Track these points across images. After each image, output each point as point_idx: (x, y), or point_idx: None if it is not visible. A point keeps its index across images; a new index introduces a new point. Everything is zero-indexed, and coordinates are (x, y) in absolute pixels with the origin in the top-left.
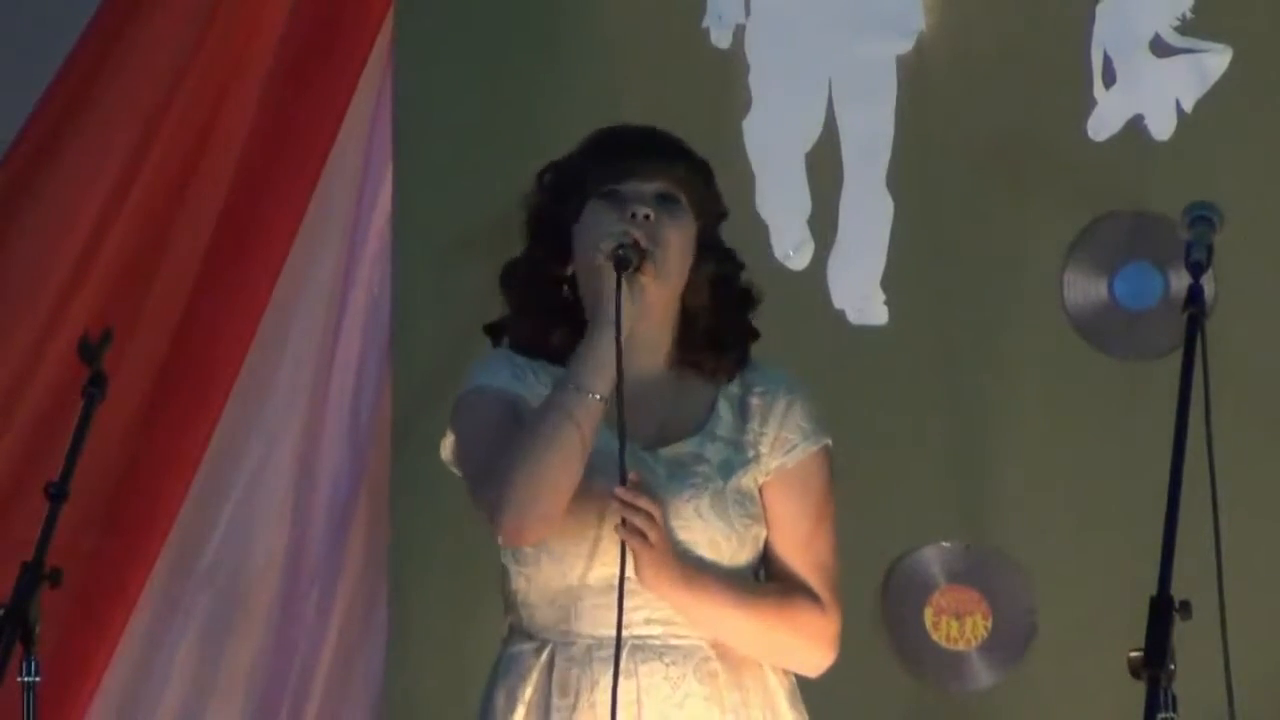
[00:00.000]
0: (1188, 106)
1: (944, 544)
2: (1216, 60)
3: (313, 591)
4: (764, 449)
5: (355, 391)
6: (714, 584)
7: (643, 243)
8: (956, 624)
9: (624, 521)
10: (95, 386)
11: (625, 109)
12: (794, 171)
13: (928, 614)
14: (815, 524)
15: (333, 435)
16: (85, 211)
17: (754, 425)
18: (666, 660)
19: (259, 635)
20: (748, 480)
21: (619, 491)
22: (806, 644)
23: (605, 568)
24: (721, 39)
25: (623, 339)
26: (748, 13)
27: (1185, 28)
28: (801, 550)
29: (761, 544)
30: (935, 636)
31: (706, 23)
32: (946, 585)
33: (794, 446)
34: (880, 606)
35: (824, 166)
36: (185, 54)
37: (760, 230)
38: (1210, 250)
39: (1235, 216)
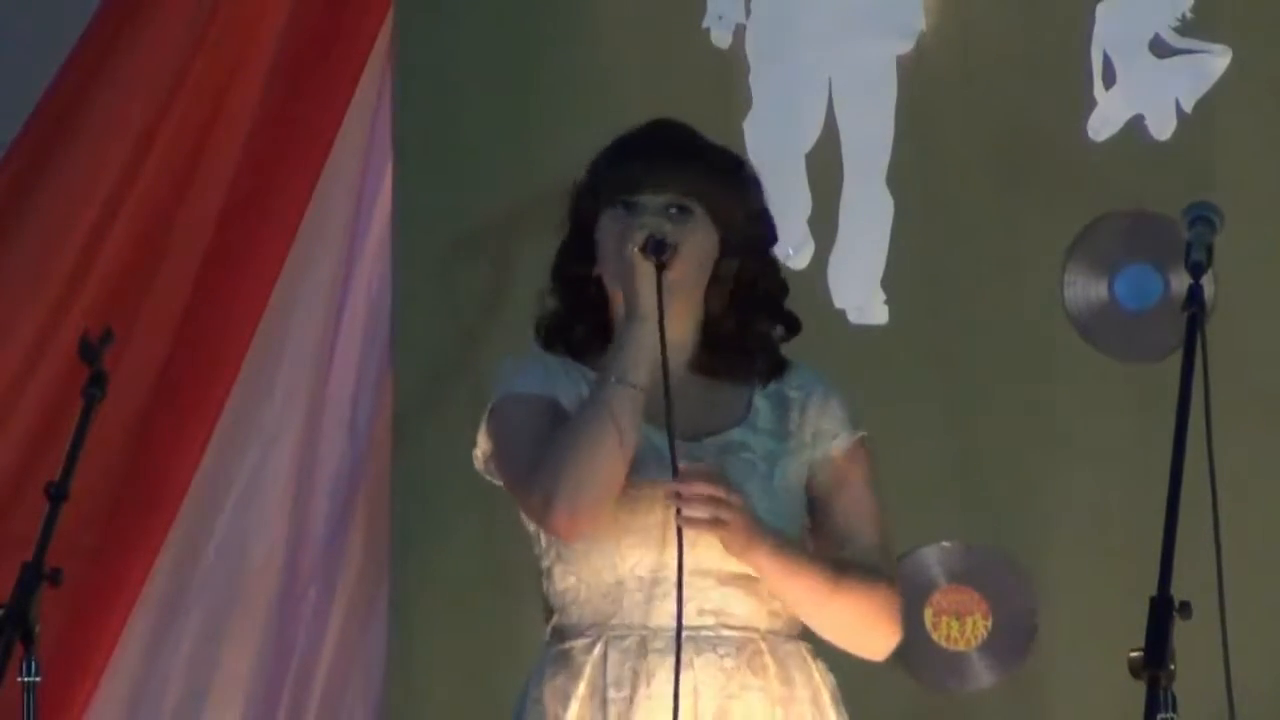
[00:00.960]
0: (1188, 107)
1: (944, 544)
2: (1216, 60)
3: (311, 591)
4: (806, 440)
5: (355, 391)
6: (804, 557)
7: (671, 237)
8: (956, 624)
9: (679, 513)
10: (95, 386)
11: (625, 109)
12: (794, 171)
13: (928, 614)
14: (872, 507)
15: (332, 435)
16: (85, 212)
17: (794, 416)
18: (721, 652)
19: (258, 635)
20: (793, 470)
21: (669, 486)
22: (885, 622)
23: (655, 556)
24: (722, 39)
25: (658, 331)
26: (748, 13)
27: (1185, 28)
28: (865, 532)
29: (804, 535)
30: (935, 636)
31: (707, 23)
32: (946, 585)
33: (836, 435)
34: None
35: (824, 166)
36: (185, 54)
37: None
38: (1210, 250)
39: (1235, 216)
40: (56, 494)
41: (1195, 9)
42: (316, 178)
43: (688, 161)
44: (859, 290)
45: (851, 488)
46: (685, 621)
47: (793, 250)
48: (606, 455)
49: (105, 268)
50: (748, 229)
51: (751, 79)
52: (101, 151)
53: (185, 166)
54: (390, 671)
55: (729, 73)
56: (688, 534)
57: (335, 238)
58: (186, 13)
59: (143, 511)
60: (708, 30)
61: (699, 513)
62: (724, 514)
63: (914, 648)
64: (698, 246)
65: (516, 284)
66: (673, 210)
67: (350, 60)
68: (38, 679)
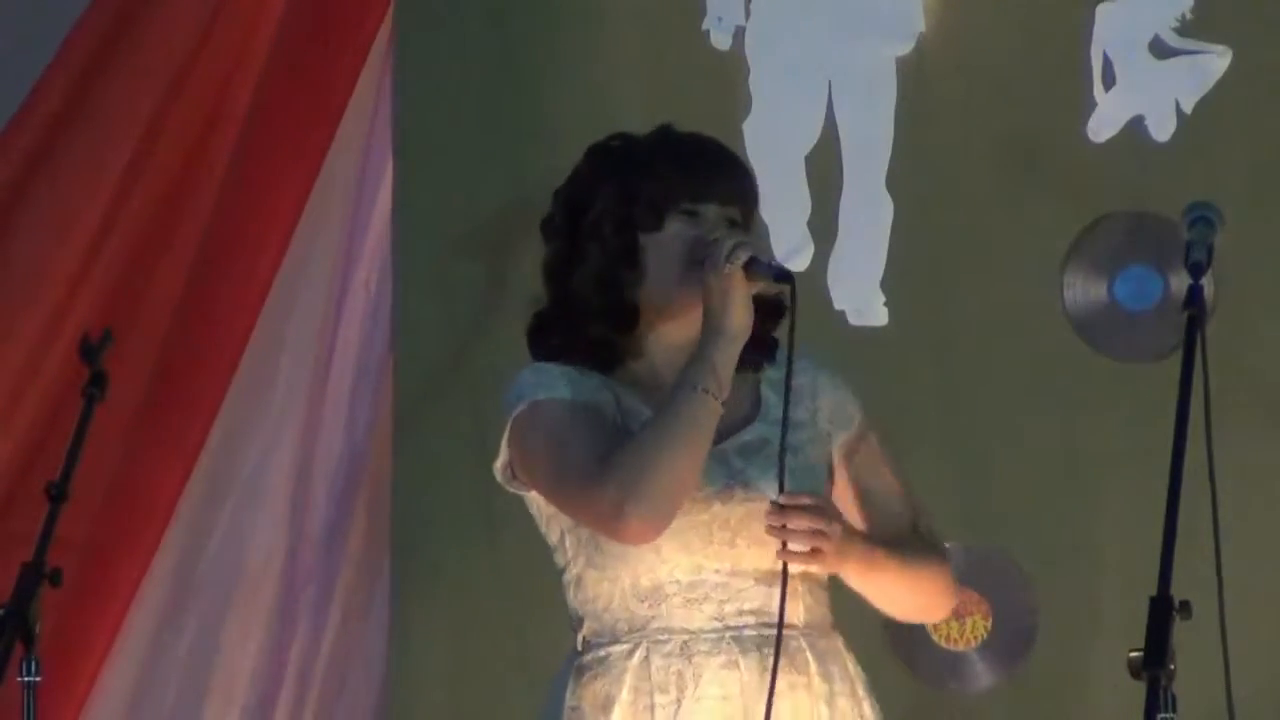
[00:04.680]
0: (1187, 108)
1: (944, 545)
2: (1216, 61)
3: (309, 590)
4: (824, 425)
5: (353, 391)
6: (888, 560)
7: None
8: (956, 624)
9: (783, 545)
10: (95, 386)
11: (625, 110)
12: (794, 173)
13: None
14: (903, 483)
15: (331, 434)
16: (86, 213)
17: (805, 403)
18: (765, 651)
19: (258, 635)
20: (814, 457)
21: (772, 518)
22: (947, 595)
23: (692, 559)
24: (721, 41)
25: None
26: (748, 15)
27: (1185, 29)
28: (906, 504)
29: None
30: (935, 636)
31: (706, 24)
32: None
33: (854, 419)
34: None
35: (824, 167)
36: (185, 53)
37: (760, 231)
38: (1210, 250)
39: (1235, 216)
40: (56, 494)
41: (1195, 9)
42: (315, 177)
43: (744, 174)
44: (859, 291)
45: (883, 465)
46: (726, 622)
47: (793, 251)
48: (687, 462)
49: (105, 268)
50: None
51: (751, 81)
52: (101, 153)
53: (184, 167)
54: (390, 671)
55: (729, 74)
56: (726, 533)
57: (334, 237)
58: (185, 12)
59: (141, 511)
60: (707, 32)
61: (800, 546)
62: (822, 544)
63: (914, 648)
64: None
65: (516, 284)
66: (732, 224)
67: (349, 60)
68: (38, 679)
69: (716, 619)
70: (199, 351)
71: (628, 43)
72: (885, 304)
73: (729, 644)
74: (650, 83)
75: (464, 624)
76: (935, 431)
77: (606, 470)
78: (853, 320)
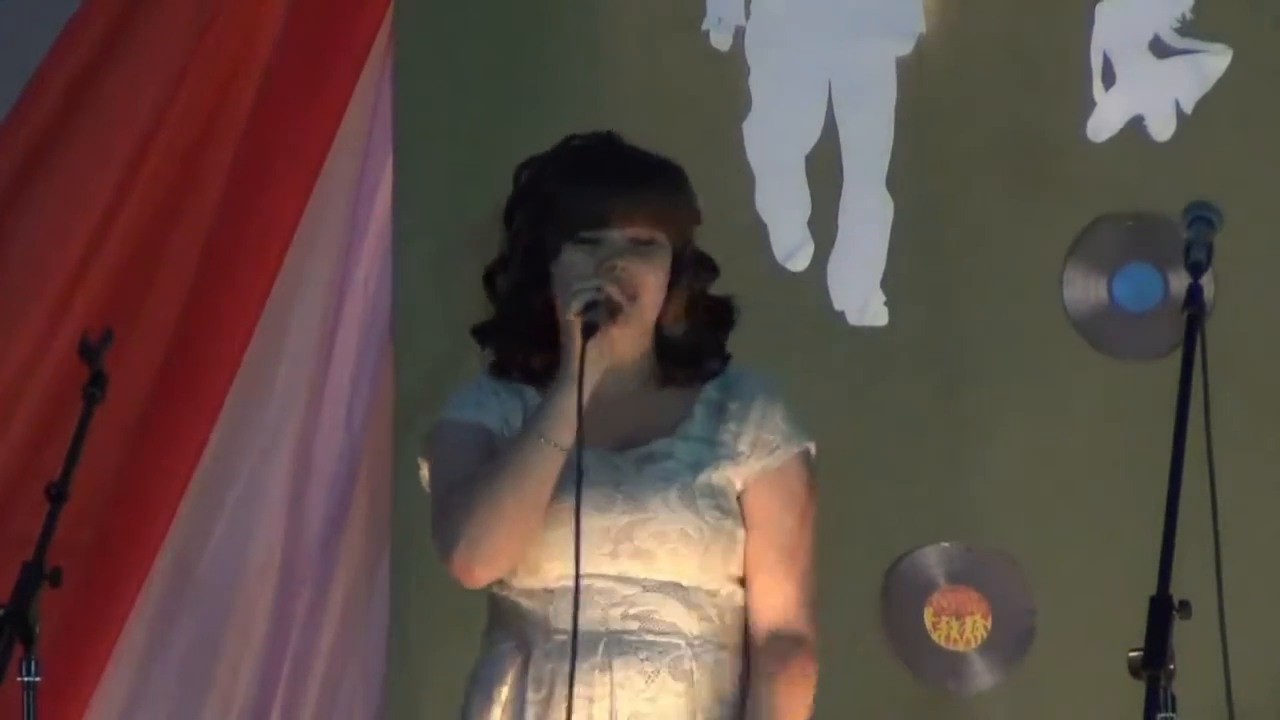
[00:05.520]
0: (1188, 107)
1: (944, 544)
2: (1216, 61)
3: (308, 589)
4: (743, 449)
5: (352, 391)
6: None
7: (615, 297)
8: (956, 624)
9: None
10: (95, 386)
11: (625, 110)
12: (794, 173)
13: (928, 614)
14: (797, 529)
15: (330, 434)
16: (86, 212)
17: (730, 426)
18: (642, 656)
19: (256, 634)
20: (719, 477)
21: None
22: (803, 705)
23: (573, 565)
24: (721, 41)
25: (594, 385)
26: (748, 15)
27: (1185, 28)
28: (783, 557)
29: (739, 545)
30: (935, 636)
31: (706, 25)
32: (946, 585)
33: (775, 449)
34: (880, 606)
35: (824, 168)
36: (185, 52)
37: (760, 231)
38: (1210, 250)
39: (1235, 216)
40: (56, 494)
41: (1195, 9)
42: (315, 177)
43: (650, 190)
44: (859, 291)
45: (784, 505)
46: (610, 626)
47: (793, 251)
48: (518, 512)
49: (105, 267)
50: (691, 235)
51: (751, 81)
52: (101, 151)
53: (184, 165)
54: (390, 671)
55: (729, 74)
56: (608, 544)
57: (334, 237)
58: (186, 11)
59: (142, 511)
60: (707, 32)
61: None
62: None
63: (914, 648)
64: (659, 278)
65: None
66: (639, 244)
67: (349, 59)
68: (38, 679)
69: (600, 623)
70: (200, 351)
71: (628, 42)
72: (885, 304)
73: (606, 647)
74: (650, 83)
75: (464, 624)
76: (935, 431)
77: (447, 504)
78: (852, 320)
